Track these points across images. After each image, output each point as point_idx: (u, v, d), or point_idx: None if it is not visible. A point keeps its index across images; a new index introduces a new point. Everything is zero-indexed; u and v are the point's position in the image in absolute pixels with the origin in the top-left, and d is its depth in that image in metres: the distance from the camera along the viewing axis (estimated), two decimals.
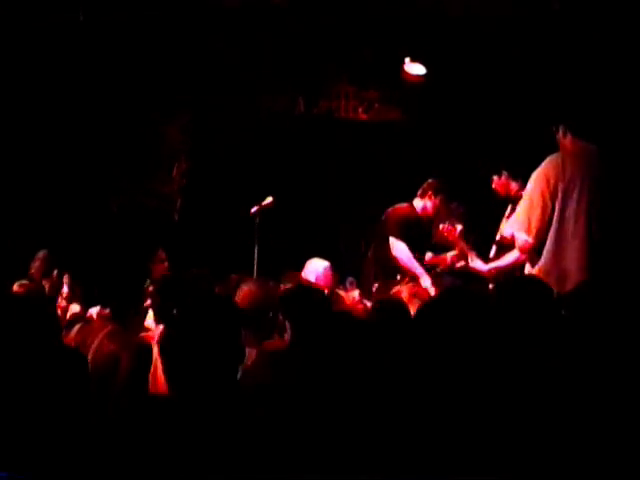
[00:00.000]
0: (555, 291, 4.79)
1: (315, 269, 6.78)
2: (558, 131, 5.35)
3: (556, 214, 5.12)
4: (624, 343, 3.16)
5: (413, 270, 7.10)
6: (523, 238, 5.26)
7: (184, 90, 9.42)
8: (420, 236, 7.31)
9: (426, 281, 6.86)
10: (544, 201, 5.13)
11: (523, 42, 7.94)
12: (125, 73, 8.97)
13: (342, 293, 6.80)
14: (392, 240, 7.18)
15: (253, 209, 7.67)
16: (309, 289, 4.90)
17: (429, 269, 7.17)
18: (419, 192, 7.41)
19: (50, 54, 8.57)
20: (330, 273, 6.80)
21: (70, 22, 7.90)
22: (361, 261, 8.05)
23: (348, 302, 6.63)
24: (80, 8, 7.69)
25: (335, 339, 3.29)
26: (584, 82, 6.97)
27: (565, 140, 5.33)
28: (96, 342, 4.31)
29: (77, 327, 5.24)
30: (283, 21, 8.43)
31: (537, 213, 5.16)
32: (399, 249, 7.16)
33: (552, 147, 5.43)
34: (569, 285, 4.89)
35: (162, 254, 8.40)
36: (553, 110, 5.69)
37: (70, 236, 8.77)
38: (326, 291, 6.62)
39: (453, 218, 7.09)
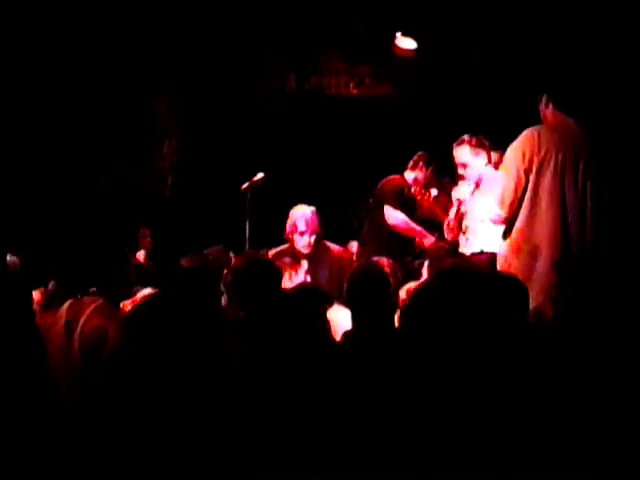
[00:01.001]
0: (525, 265, 4.84)
1: (303, 214, 6.72)
2: (541, 101, 5.30)
3: (530, 188, 5.05)
4: (602, 326, 3.15)
5: (414, 232, 7.09)
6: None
7: (174, 67, 9.39)
8: (413, 207, 7.31)
9: (430, 239, 6.87)
10: (518, 175, 5.08)
11: (513, 14, 7.91)
12: (115, 50, 8.93)
13: (329, 243, 6.75)
14: (387, 209, 7.17)
15: (244, 185, 7.66)
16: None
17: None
18: (410, 164, 7.39)
19: (39, 32, 8.52)
20: (316, 218, 6.70)
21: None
22: (354, 236, 8.05)
23: (336, 251, 6.63)
24: None
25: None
26: (571, 54, 6.94)
27: (547, 111, 5.27)
28: (84, 317, 4.29)
29: (68, 303, 5.24)
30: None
31: (510, 186, 5.12)
32: (395, 217, 7.15)
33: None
34: (540, 261, 4.89)
35: (145, 230, 8.44)
36: (538, 79, 5.63)
37: (60, 213, 8.75)
38: (315, 237, 6.60)
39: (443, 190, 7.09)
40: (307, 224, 6.54)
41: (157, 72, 9.38)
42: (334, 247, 6.73)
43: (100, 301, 4.58)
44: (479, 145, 6.44)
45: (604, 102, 6.12)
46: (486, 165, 6.46)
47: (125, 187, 9.49)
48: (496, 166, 6.59)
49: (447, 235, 6.74)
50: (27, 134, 8.98)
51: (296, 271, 6.22)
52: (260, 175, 7.68)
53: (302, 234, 6.54)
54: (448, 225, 6.68)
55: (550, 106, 5.21)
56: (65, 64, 8.87)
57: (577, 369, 2.91)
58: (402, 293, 4.90)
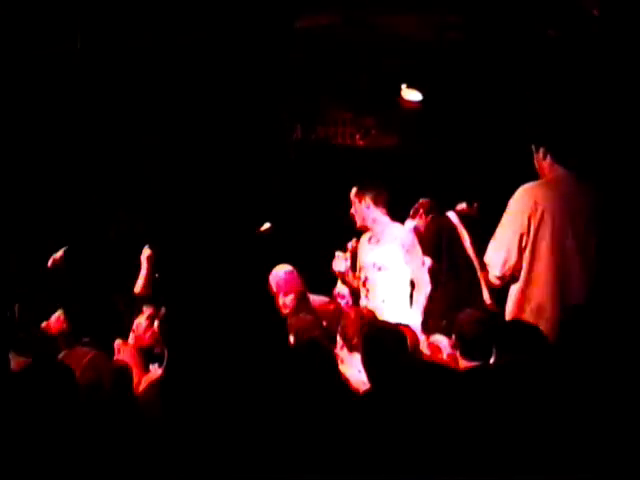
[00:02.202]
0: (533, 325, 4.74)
1: (275, 275, 6.67)
2: (538, 152, 5.20)
3: (529, 249, 4.96)
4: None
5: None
6: (490, 272, 5.17)
7: (182, 117, 9.44)
8: None
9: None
10: (509, 237, 4.98)
11: (518, 67, 7.97)
12: (123, 99, 8.99)
13: (312, 296, 6.72)
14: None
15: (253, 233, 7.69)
16: None
17: None
18: (411, 212, 7.38)
19: (47, 83, 8.60)
20: (292, 277, 6.64)
21: (67, 50, 7.94)
22: None
23: (316, 304, 6.59)
24: (77, 36, 7.73)
25: None
26: (569, 106, 6.93)
27: (544, 163, 5.14)
28: (79, 370, 4.30)
29: (63, 353, 5.26)
30: (281, 48, 8.47)
31: (503, 248, 5.03)
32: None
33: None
34: (544, 321, 4.75)
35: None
36: (535, 131, 5.52)
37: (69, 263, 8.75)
38: (293, 295, 6.56)
39: None
40: (278, 285, 6.54)
41: (161, 123, 9.43)
42: (317, 300, 6.67)
43: (93, 353, 4.64)
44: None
45: (605, 155, 6.06)
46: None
47: (132, 237, 9.50)
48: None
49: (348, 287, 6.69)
50: (35, 184, 9.03)
51: None
52: (267, 225, 7.71)
53: (276, 295, 6.53)
54: (347, 276, 6.60)
55: (548, 159, 5.09)
56: (75, 116, 8.94)
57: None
58: None
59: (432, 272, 6.69)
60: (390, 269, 6.33)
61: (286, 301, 6.48)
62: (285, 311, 6.44)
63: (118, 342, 5.84)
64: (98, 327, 5.96)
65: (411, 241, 6.43)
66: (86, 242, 9.23)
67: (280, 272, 6.61)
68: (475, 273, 6.82)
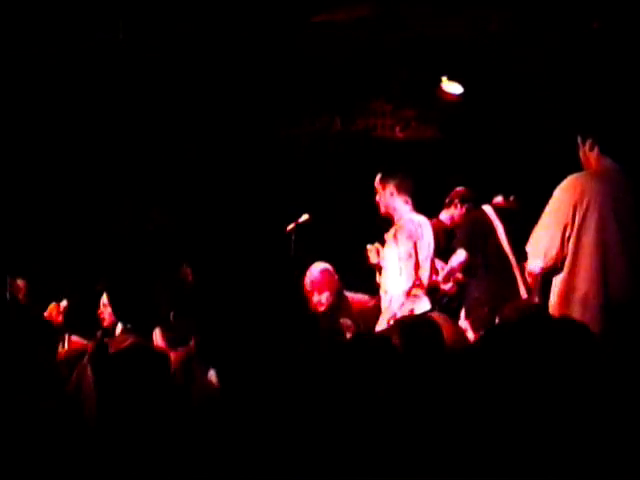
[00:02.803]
0: (577, 313, 4.70)
1: (310, 273, 6.69)
2: (584, 144, 5.17)
3: (572, 240, 4.94)
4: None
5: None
6: (531, 261, 5.14)
7: (221, 110, 9.48)
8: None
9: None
10: (554, 227, 4.96)
11: (560, 60, 7.92)
12: (155, 99, 9.04)
13: (350, 294, 6.72)
14: None
15: (289, 226, 7.69)
16: None
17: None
18: (446, 202, 7.36)
19: (91, 74, 8.66)
20: (327, 275, 6.68)
21: (110, 41, 7.99)
22: None
23: (355, 302, 6.58)
24: (120, 26, 7.78)
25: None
26: (619, 99, 6.88)
27: (590, 155, 5.11)
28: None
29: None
30: (321, 40, 8.47)
31: (546, 237, 5.01)
32: None
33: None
34: (589, 312, 4.72)
35: (187, 269, 8.52)
36: (581, 122, 5.46)
37: (108, 254, 8.85)
38: (328, 293, 6.57)
39: None
40: (312, 283, 6.54)
41: (199, 116, 9.47)
42: (355, 298, 6.66)
43: (130, 340, 4.71)
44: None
45: None
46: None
47: (169, 230, 9.58)
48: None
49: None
50: (49, 180, 9.10)
51: None
52: (305, 216, 7.71)
53: (309, 294, 6.53)
54: None
55: (595, 151, 5.02)
56: (114, 106, 9.00)
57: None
58: None
59: (466, 266, 6.69)
60: (386, 266, 6.32)
61: (321, 299, 6.51)
62: (320, 309, 6.46)
63: (157, 330, 5.92)
64: (139, 315, 6.04)
65: (410, 231, 6.35)
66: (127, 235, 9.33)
67: (315, 270, 6.63)
68: (510, 268, 6.79)
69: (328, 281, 6.61)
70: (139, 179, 9.39)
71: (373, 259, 6.46)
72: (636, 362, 3.37)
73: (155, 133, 9.33)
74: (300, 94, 9.41)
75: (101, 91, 8.87)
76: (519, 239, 6.62)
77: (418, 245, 6.25)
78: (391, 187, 6.44)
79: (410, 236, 6.27)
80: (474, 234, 6.90)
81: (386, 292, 6.25)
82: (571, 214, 4.90)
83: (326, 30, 8.25)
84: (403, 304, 6.08)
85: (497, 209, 7.01)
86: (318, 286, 6.56)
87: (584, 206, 4.89)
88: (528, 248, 5.15)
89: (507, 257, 6.82)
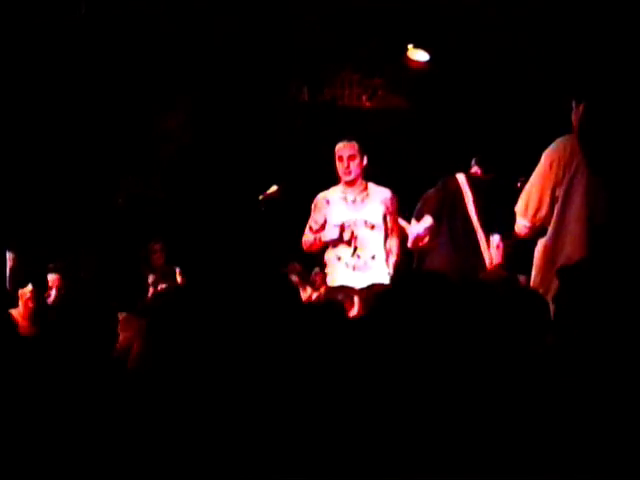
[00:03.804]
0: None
1: None
2: (577, 107, 5.17)
3: (560, 200, 4.97)
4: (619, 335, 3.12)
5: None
6: (519, 222, 5.18)
7: (187, 81, 9.43)
8: None
9: None
10: (543, 186, 5.00)
11: (528, 24, 7.90)
12: (129, 66, 8.98)
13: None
14: None
15: (259, 197, 7.67)
16: None
17: None
18: None
19: (51, 49, 8.58)
20: None
21: (71, 16, 7.92)
22: None
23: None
24: (82, 2, 7.71)
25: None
26: (599, 61, 6.86)
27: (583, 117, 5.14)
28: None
29: None
30: (287, 9, 8.43)
31: (535, 198, 5.05)
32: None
33: (562, 129, 5.27)
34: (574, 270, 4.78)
35: (156, 245, 8.54)
36: (573, 85, 5.47)
37: (76, 230, 8.80)
38: None
39: None
40: None
41: (170, 86, 9.42)
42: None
43: (123, 315, 4.67)
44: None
45: None
46: None
47: (140, 203, 9.53)
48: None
49: None
50: (39, 152, 9.04)
51: None
52: (274, 187, 7.68)
53: None
54: None
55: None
56: (79, 81, 8.92)
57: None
58: None
59: (431, 232, 6.75)
60: (378, 227, 6.47)
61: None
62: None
63: None
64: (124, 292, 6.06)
65: (393, 204, 6.63)
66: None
67: None
68: (476, 239, 6.81)
69: None
70: (105, 156, 9.34)
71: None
72: (622, 323, 3.36)
73: (122, 108, 9.26)
74: (267, 64, 9.37)
75: (66, 64, 8.80)
76: (488, 210, 6.71)
77: None
78: (365, 159, 6.62)
79: (395, 209, 6.67)
80: (442, 201, 6.91)
81: (367, 254, 6.48)
82: (560, 175, 4.93)
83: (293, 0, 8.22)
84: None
85: (470, 178, 7.00)
86: None
87: (573, 167, 4.92)
88: (517, 208, 5.17)
89: (474, 227, 6.84)
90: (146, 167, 9.67)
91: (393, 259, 6.59)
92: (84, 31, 8.21)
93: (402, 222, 6.90)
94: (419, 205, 6.94)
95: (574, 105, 5.12)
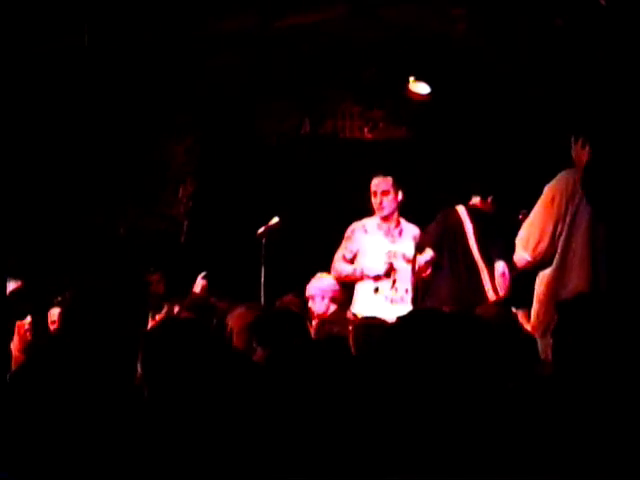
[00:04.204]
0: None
1: (320, 284, 6.79)
2: (577, 142, 5.18)
3: (563, 234, 4.97)
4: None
5: None
6: (519, 254, 5.17)
7: (189, 112, 9.45)
8: None
9: None
10: (545, 220, 5.00)
11: (529, 58, 7.92)
12: (130, 96, 8.99)
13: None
14: None
15: (260, 230, 7.66)
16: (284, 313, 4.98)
17: None
18: None
19: (55, 78, 8.60)
20: (337, 288, 6.79)
21: (75, 46, 7.93)
22: None
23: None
24: (85, 32, 7.72)
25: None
26: (602, 94, 6.89)
27: (582, 153, 5.15)
28: None
29: None
30: (288, 42, 8.45)
31: (536, 229, 5.05)
32: None
33: (562, 163, 5.28)
34: None
35: (155, 276, 8.52)
36: (572, 121, 5.50)
37: (78, 260, 8.77)
38: (334, 307, 6.66)
39: None
40: (324, 294, 6.81)
41: (171, 116, 9.44)
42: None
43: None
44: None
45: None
46: None
47: (141, 233, 9.52)
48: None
49: None
50: (42, 180, 9.03)
51: None
52: (275, 219, 7.68)
53: (310, 298, 6.79)
54: None
55: (587, 148, 5.10)
56: (81, 110, 8.94)
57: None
58: None
59: (432, 264, 6.76)
60: (411, 262, 6.56)
61: (322, 306, 6.62)
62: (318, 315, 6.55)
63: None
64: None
65: (418, 235, 6.91)
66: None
67: (325, 282, 6.76)
68: (477, 271, 6.81)
69: (339, 293, 6.75)
70: (107, 182, 9.33)
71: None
72: (622, 356, 3.34)
73: (122, 136, 9.27)
74: (269, 95, 9.39)
75: (70, 92, 8.82)
76: (490, 242, 6.70)
77: None
78: (400, 194, 6.93)
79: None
80: (443, 234, 6.91)
81: (402, 287, 6.75)
82: (563, 210, 4.95)
83: (294, 31, 8.23)
84: None
85: (470, 210, 7.00)
86: (330, 294, 6.65)
87: (576, 202, 4.93)
88: (517, 240, 5.18)
89: (474, 259, 6.83)
90: (146, 196, 9.66)
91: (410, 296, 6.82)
92: (87, 61, 8.22)
93: None
94: (421, 238, 6.96)
95: (573, 141, 5.15)
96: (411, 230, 6.92)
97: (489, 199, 7.11)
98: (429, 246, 6.79)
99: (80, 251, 8.96)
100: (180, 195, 9.78)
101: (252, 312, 4.90)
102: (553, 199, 5.01)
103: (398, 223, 6.88)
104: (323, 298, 6.67)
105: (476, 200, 7.08)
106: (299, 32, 8.27)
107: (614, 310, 3.32)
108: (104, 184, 9.29)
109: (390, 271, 6.65)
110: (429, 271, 6.79)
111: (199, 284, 7.36)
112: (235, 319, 4.87)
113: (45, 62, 8.29)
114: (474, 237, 6.83)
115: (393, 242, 6.75)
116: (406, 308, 6.34)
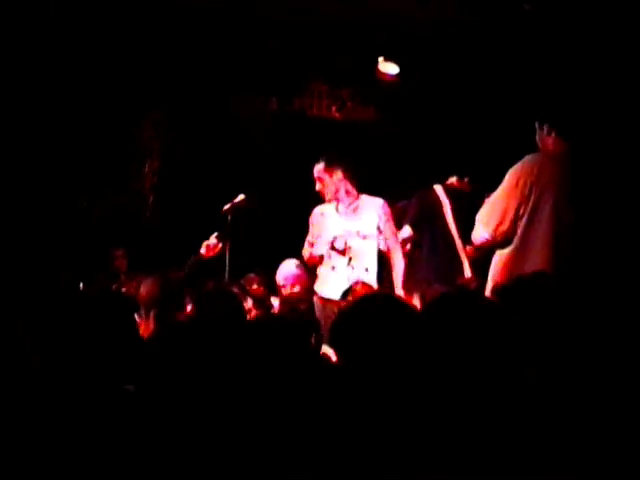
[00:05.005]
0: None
1: (284, 272, 6.86)
2: (542, 128, 5.23)
3: (525, 218, 5.02)
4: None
5: None
6: (479, 232, 5.22)
7: (156, 87, 9.39)
8: None
9: None
10: (507, 202, 5.04)
11: (497, 41, 7.95)
12: (97, 69, 8.92)
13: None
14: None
15: (225, 207, 7.63)
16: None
17: None
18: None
19: (21, 50, 8.51)
20: (298, 272, 6.85)
21: (42, 19, 7.86)
22: None
23: None
24: (50, 5, 7.65)
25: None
26: (566, 80, 6.95)
27: (548, 139, 5.20)
28: None
29: None
30: (257, 20, 8.41)
31: (498, 209, 5.10)
32: None
33: (528, 147, 5.33)
34: None
35: (118, 251, 8.49)
36: (538, 107, 5.55)
37: (40, 233, 8.72)
38: (299, 287, 6.71)
39: None
40: (285, 278, 6.95)
41: (138, 92, 9.37)
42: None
43: None
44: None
45: (606, 130, 6.09)
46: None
47: (105, 208, 9.47)
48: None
49: None
50: (6, 152, 8.95)
51: None
52: (241, 197, 7.65)
53: (282, 287, 6.93)
54: None
55: (553, 135, 5.14)
56: (48, 83, 8.86)
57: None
58: None
59: (412, 244, 6.80)
60: (371, 238, 6.49)
61: (294, 291, 6.67)
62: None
63: None
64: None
65: (387, 213, 6.67)
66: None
67: (290, 265, 6.77)
68: (456, 249, 6.89)
69: (305, 278, 6.76)
70: (70, 155, 9.27)
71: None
72: (579, 341, 3.39)
73: (87, 109, 9.21)
74: (236, 73, 9.35)
75: (41, 73, 8.74)
76: (467, 221, 6.75)
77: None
78: (339, 172, 6.67)
79: (389, 217, 6.69)
80: (422, 213, 6.98)
81: (360, 265, 6.53)
82: (527, 193, 4.99)
83: (264, 9, 8.19)
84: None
85: (448, 189, 7.07)
86: (291, 280, 6.65)
87: (540, 186, 4.98)
88: (478, 218, 5.22)
89: (453, 238, 6.91)
90: (111, 171, 9.61)
91: (399, 279, 6.57)
92: (55, 34, 8.15)
93: None
94: (395, 214, 7.00)
95: (537, 127, 5.20)
96: (370, 204, 6.71)
97: (466, 179, 7.18)
98: (408, 224, 6.85)
99: (41, 225, 8.91)
100: (146, 170, 9.73)
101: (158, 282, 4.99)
102: (517, 182, 5.06)
103: (353, 201, 6.73)
104: (293, 285, 6.76)
105: (453, 180, 7.15)
106: (267, 10, 8.22)
107: (556, 293, 3.37)
108: (68, 157, 9.22)
109: (344, 248, 6.62)
110: (407, 247, 6.85)
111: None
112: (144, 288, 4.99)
113: (18, 39, 8.19)
114: (452, 216, 6.90)
115: (348, 220, 6.71)
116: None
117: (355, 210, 6.67)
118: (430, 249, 6.90)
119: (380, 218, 6.62)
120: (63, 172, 9.27)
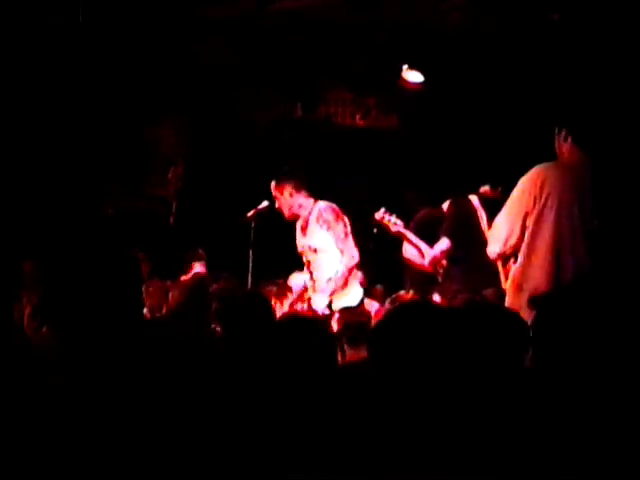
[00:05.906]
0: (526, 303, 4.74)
1: (296, 284, 6.91)
2: (560, 134, 5.19)
3: (530, 229, 4.99)
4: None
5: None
6: (490, 247, 5.21)
7: (180, 94, 9.44)
8: None
9: None
10: (515, 215, 5.02)
11: (522, 51, 7.95)
12: (122, 76, 8.97)
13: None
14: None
15: (249, 213, 7.65)
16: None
17: None
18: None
19: (47, 56, 8.57)
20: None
21: (69, 24, 7.90)
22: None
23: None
24: (79, 10, 7.70)
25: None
26: (588, 90, 6.92)
27: (564, 146, 5.16)
28: None
29: None
30: (283, 28, 8.44)
31: (505, 223, 5.08)
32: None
33: (552, 155, 5.29)
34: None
35: (141, 256, 8.52)
36: (557, 113, 5.49)
37: (65, 239, 8.76)
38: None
39: None
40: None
41: (163, 99, 9.42)
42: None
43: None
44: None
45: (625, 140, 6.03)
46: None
47: (130, 213, 9.52)
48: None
49: None
50: (32, 158, 9.02)
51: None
52: (265, 203, 7.66)
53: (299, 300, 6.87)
54: None
55: (569, 141, 5.09)
56: (72, 89, 8.91)
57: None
58: None
59: (448, 253, 6.79)
60: (325, 249, 6.52)
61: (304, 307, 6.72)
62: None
63: None
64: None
65: (325, 215, 6.70)
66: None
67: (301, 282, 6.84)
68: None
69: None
70: (95, 162, 9.33)
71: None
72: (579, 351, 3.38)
73: (113, 115, 9.26)
74: (262, 80, 9.38)
75: (60, 74, 8.78)
76: None
77: (347, 224, 6.71)
78: (289, 188, 6.84)
79: (337, 217, 6.69)
80: (459, 223, 6.96)
81: (320, 276, 6.63)
82: (531, 204, 4.96)
83: (289, 16, 8.22)
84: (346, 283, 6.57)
85: (483, 199, 7.06)
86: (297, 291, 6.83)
87: (543, 198, 4.94)
88: (489, 233, 5.21)
89: None
90: (136, 177, 9.66)
91: (332, 285, 6.61)
92: (80, 39, 8.20)
93: (419, 243, 6.92)
94: (416, 225, 6.99)
95: (556, 132, 5.16)
96: (313, 215, 6.76)
97: (499, 188, 7.16)
98: (445, 235, 6.82)
99: (67, 231, 8.95)
100: (170, 176, 9.78)
101: None
102: (523, 193, 5.04)
103: (307, 215, 6.79)
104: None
105: (486, 189, 7.12)
106: (292, 18, 8.25)
107: (586, 309, 3.36)
108: (94, 162, 9.28)
109: (306, 265, 6.75)
110: (445, 260, 6.84)
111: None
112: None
113: (38, 39, 8.25)
114: (488, 226, 6.89)
115: (301, 237, 6.79)
116: (324, 298, 6.52)
117: (305, 224, 6.78)
118: (465, 260, 6.87)
119: (321, 227, 6.68)
120: (88, 179, 9.33)
